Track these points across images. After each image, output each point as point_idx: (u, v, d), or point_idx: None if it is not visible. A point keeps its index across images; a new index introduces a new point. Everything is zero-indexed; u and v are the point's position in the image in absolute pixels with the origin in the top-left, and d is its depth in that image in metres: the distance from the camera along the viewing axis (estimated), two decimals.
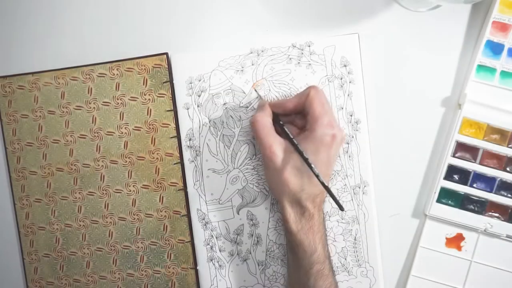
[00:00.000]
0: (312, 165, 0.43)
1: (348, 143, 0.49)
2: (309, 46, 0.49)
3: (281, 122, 0.46)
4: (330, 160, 0.44)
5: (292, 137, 0.45)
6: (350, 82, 0.49)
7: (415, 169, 0.50)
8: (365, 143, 0.49)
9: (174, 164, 0.50)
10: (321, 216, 0.46)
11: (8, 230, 0.53)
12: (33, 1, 0.52)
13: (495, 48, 0.48)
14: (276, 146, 0.44)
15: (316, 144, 0.43)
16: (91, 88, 0.51)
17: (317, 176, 0.42)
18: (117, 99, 0.51)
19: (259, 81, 0.50)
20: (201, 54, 0.50)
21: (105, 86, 0.51)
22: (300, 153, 0.43)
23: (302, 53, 0.49)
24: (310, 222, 0.44)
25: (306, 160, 0.43)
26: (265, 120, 0.45)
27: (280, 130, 0.46)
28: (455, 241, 0.49)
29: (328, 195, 0.43)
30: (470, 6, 0.49)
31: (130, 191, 0.51)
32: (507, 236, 0.48)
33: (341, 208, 0.42)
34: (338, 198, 0.48)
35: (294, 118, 0.47)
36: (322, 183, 0.42)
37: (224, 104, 0.50)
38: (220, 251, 0.50)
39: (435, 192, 0.48)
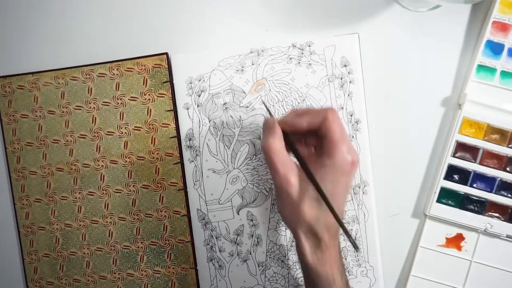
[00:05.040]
0: (329, 199, 0.39)
1: None
2: (309, 46, 0.49)
3: (294, 146, 0.43)
4: (348, 187, 0.41)
5: (308, 167, 0.41)
6: (350, 82, 0.49)
7: (415, 169, 0.50)
8: (365, 143, 0.49)
9: (174, 164, 0.50)
10: (337, 244, 0.42)
11: (8, 230, 0.53)
12: (33, 1, 0.52)
13: (495, 48, 0.48)
14: (293, 176, 0.41)
15: (335, 173, 0.40)
16: (91, 88, 0.51)
17: (333, 212, 0.39)
18: (117, 99, 0.51)
19: (260, 80, 0.50)
20: (201, 54, 0.50)
21: (105, 86, 0.51)
22: (316, 185, 0.40)
23: (302, 53, 0.49)
24: (326, 252, 0.41)
25: (322, 193, 0.39)
26: (278, 146, 0.41)
27: (289, 149, 0.43)
28: (455, 241, 0.49)
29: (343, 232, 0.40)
30: (470, 6, 0.49)
31: (130, 191, 0.51)
32: (507, 236, 0.48)
33: (356, 248, 0.39)
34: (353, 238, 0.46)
35: (305, 135, 0.44)
36: (337, 219, 0.39)
37: (224, 104, 0.50)
38: (220, 251, 0.50)
39: (435, 192, 0.48)
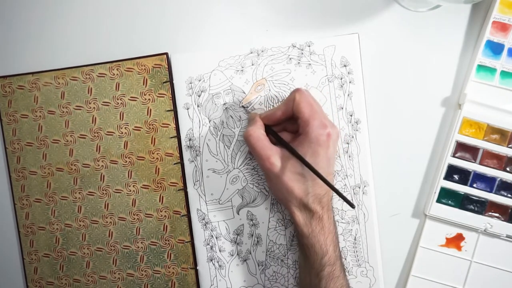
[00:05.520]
0: (314, 168, 0.42)
1: (348, 143, 0.49)
2: (309, 46, 0.49)
3: (274, 130, 0.46)
4: (330, 158, 0.44)
5: (287, 142, 0.44)
6: (350, 82, 0.49)
7: (415, 169, 0.50)
8: (365, 143, 0.49)
9: (174, 164, 0.50)
10: (331, 216, 0.45)
11: (8, 230, 0.53)
12: (33, 1, 0.52)
13: (495, 48, 0.48)
14: (275, 157, 0.44)
15: (312, 147, 0.43)
16: (91, 88, 0.51)
17: (320, 177, 0.42)
18: (117, 99, 0.51)
19: (260, 81, 0.50)
20: (201, 54, 0.50)
21: (105, 86, 0.51)
22: (300, 158, 0.43)
23: (302, 53, 0.49)
24: (320, 224, 0.44)
25: (307, 163, 0.42)
26: (258, 133, 0.45)
27: (274, 140, 0.46)
28: (455, 241, 0.49)
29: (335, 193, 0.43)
30: (470, 6, 0.49)
31: (130, 191, 0.51)
32: (507, 236, 0.48)
33: (351, 205, 0.41)
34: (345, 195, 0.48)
35: (286, 124, 0.47)
36: (327, 183, 0.42)
37: (224, 104, 0.50)
38: (220, 251, 0.50)
39: (435, 192, 0.48)
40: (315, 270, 0.44)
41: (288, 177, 0.44)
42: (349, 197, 0.49)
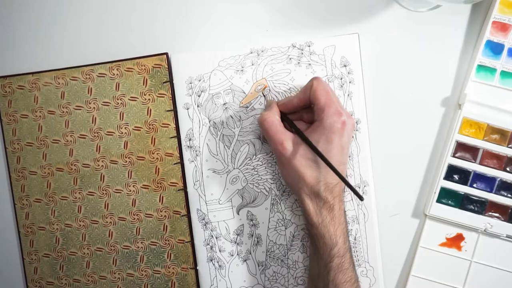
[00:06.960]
0: (325, 156, 0.42)
1: None
2: (309, 46, 0.49)
3: (289, 117, 0.46)
4: (344, 147, 0.44)
5: (299, 129, 0.44)
6: (350, 82, 0.49)
7: (415, 169, 0.50)
8: (365, 143, 0.49)
9: (174, 164, 0.50)
10: (342, 207, 0.45)
11: (8, 230, 0.53)
12: (33, 1, 0.52)
13: (495, 48, 0.48)
14: (287, 141, 0.44)
15: (326, 134, 0.43)
16: (91, 88, 0.51)
17: (330, 166, 0.41)
18: (117, 99, 0.51)
19: (260, 81, 0.50)
20: (201, 54, 0.50)
21: (105, 86, 0.51)
22: (312, 146, 0.42)
23: (302, 53, 0.49)
24: (330, 213, 0.43)
25: (317, 152, 0.42)
26: (274, 118, 0.45)
27: (289, 127, 0.46)
28: (455, 241, 0.49)
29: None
30: (470, 6, 0.49)
31: (130, 191, 0.51)
32: (507, 236, 0.48)
33: (360, 197, 0.40)
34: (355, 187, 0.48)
35: (302, 113, 0.47)
36: (337, 173, 0.41)
37: (224, 104, 0.50)
38: (220, 251, 0.50)
39: (435, 192, 0.48)
40: (324, 261, 0.43)
41: (300, 162, 0.43)
42: (348, 197, 0.49)
